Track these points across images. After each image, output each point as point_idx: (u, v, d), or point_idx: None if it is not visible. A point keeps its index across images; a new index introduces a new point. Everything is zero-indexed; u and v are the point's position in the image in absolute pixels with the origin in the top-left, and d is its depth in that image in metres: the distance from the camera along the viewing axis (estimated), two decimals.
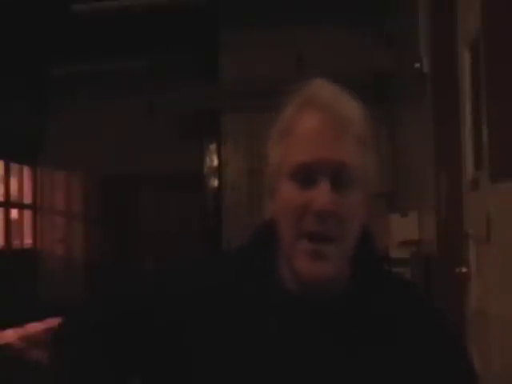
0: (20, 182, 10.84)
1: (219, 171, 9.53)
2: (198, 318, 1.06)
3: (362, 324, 1.03)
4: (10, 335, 8.44)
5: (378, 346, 1.02)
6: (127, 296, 1.14)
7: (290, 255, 1.02)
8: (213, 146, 9.71)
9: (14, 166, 10.60)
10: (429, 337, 1.05)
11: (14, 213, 10.63)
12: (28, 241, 10.98)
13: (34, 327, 8.95)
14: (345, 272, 1.06)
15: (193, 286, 1.10)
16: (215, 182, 9.69)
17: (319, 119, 1.00)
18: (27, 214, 10.95)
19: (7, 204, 10.33)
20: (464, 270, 2.79)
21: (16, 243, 10.66)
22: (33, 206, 11.01)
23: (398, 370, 1.01)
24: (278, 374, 1.00)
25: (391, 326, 1.04)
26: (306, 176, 0.99)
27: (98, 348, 1.08)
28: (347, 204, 0.98)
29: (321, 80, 1.06)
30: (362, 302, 1.04)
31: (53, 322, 9.16)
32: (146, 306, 1.09)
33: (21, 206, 10.80)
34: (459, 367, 1.06)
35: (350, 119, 1.00)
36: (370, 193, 1.04)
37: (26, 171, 10.97)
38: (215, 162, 9.71)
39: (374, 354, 1.02)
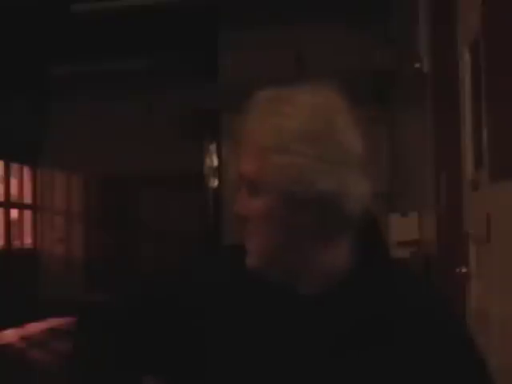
0: (20, 182, 10.83)
1: (219, 171, 9.53)
2: (214, 307, 1.14)
3: (357, 320, 1.03)
4: (10, 335, 8.44)
5: (370, 345, 1.01)
6: (153, 282, 1.25)
7: None
8: (213, 146, 9.71)
9: (14, 166, 10.60)
10: (432, 336, 1.02)
11: (14, 213, 10.63)
12: (28, 241, 10.97)
13: (34, 327, 8.96)
14: (339, 264, 1.07)
15: (214, 276, 1.19)
16: (215, 182, 9.68)
17: (245, 132, 1.10)
18: (27, 213, 10.94)
19: (7, 204, 10.33)
20: (464, 270, 2.79)
21: (16, 243, 10.66)
22: (33, 206, 11.01)
23: (394, 372, 1.00)
24: (271, 365, 1.06)
25: (389, 323, 1.02)
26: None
27: (117, 337, 1.18)
28: (254, 208, 1.08)
29: (263, 92, 1.10)
30: (359, 296, 1.04)
31: (53, 321, 9.17)
32: (170, 293, 1.19)
33: (21, 206, 10.80)
34: (466, 362, 1.02)
35: (251, 131, 1.08)
36: (288, 194, 1.04)
37: (26, 171, 10.97)
38: (215, 162, 9.71)
39: (365, 354, 1.01)
